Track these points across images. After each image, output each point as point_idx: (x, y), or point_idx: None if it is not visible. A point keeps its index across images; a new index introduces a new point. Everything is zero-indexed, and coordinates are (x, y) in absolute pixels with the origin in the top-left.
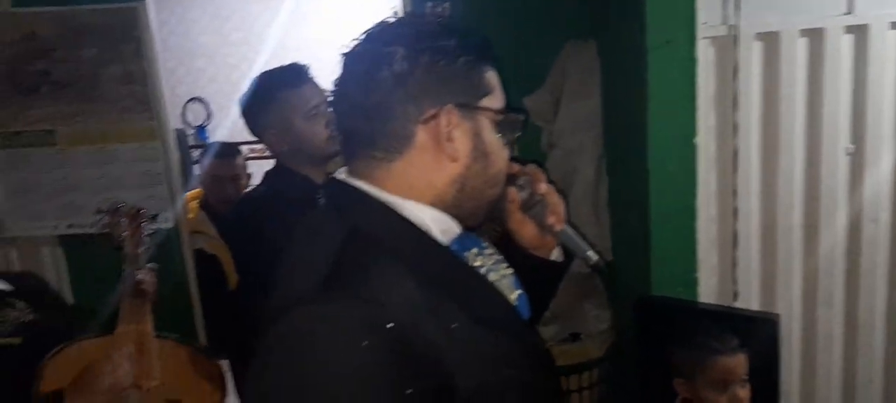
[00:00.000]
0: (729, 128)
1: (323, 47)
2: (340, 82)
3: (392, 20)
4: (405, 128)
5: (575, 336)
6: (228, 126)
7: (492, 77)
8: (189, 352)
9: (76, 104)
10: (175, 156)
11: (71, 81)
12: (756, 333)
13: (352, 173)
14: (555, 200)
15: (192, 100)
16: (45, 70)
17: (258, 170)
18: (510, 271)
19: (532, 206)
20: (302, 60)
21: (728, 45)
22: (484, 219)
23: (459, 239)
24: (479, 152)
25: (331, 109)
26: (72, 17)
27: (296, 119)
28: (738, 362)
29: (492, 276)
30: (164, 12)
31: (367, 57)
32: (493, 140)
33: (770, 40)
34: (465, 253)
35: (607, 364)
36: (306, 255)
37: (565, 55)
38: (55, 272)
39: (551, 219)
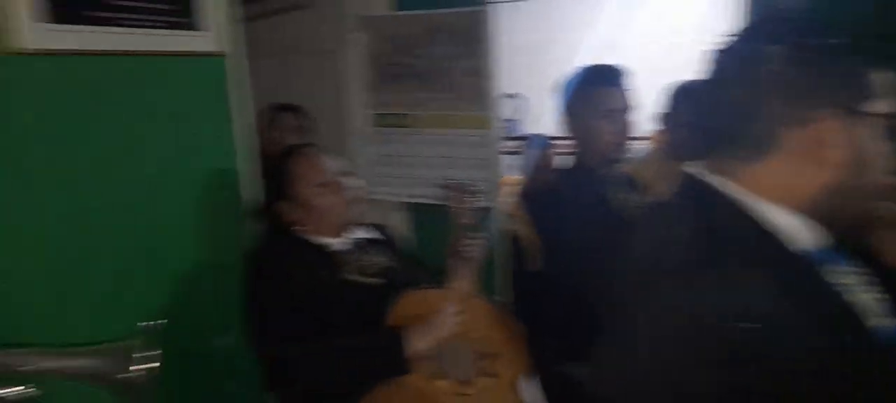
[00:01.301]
0: None
1: (646, 46)
2: (710, 79)
3: (773, 16)
4: (775, 130)
5: None
6: (541, 121)
7: (882, 78)
8: (504, 315)
9: (428, 93)
10: (500, 144)
11: (426, 73)
12: None
13: (708, 169)
14: None
15: (509, 94)
16: (409, 63)
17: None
18: (885, 296)
19: None
20: (625, 59)
21: None
22: (848, 233)
23: (822, 251)
24: (857, 161)
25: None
26: (432, 18)
27: (589, 115)
28: None
29: (856, 296)
30: (495, 12)
31: (742, 54)
32: (874, 149)
33: None
34: (827, 266)
35: None
36: (664, 240)
37: None
38: (401, 232)
39: None
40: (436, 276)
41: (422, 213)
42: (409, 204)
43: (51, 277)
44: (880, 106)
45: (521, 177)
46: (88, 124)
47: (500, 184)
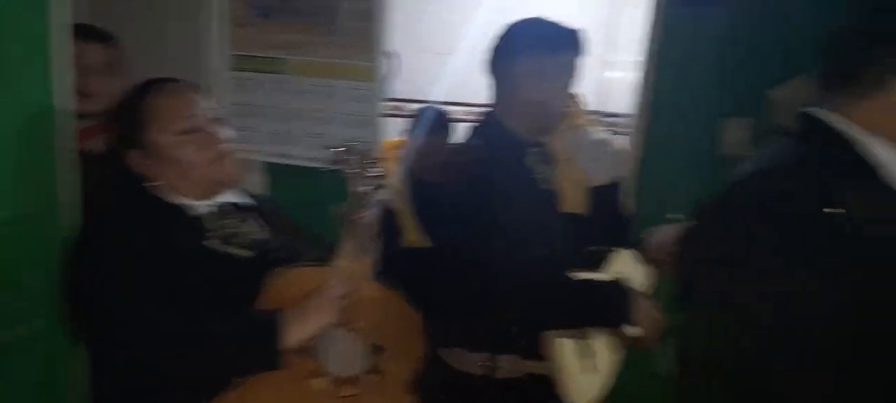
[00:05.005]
0: None
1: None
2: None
3: None
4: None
5: None
6: (412, 81)
7: None
8: (397, 301)
9: (306, 35)
10: (382, 101)
11: (305, 10)
12: None
13: (827, 107)
14: None
15: (386, 51)
16: None
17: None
18: None
19: None
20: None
21: None
22: None
23: None
24: None
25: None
26: None
27: (532, 83)
28: None
29: None
30: None
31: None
32: None
33: None
34: None
35: None
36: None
37: None
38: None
39: None
40: (323, 252)
41: (283, 176)
42: (266, 164)
43: None
44: None
45: (403, 142)
46: None
47: (382, 147)
